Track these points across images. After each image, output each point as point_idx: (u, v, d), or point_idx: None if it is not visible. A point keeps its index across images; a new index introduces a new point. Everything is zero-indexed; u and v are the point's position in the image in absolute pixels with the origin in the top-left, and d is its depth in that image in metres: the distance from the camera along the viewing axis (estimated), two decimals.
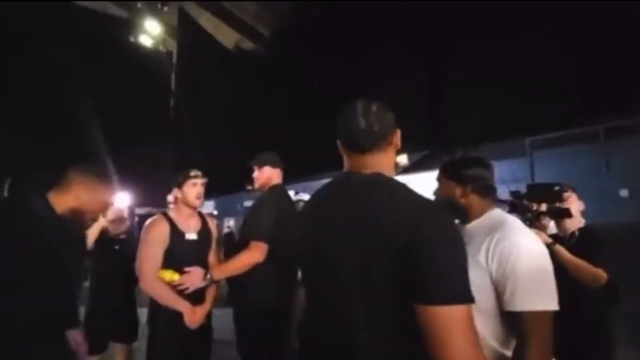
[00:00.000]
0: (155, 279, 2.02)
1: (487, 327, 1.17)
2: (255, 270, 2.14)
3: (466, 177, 1.35)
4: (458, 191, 1.36)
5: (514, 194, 2.03)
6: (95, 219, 2.97)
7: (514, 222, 1.26)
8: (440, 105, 10.41)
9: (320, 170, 9.61)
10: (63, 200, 1.72)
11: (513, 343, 1.15)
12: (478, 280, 1.15)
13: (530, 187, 1.86)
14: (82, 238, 2.12)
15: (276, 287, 2.12)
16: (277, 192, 2.36)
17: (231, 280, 2.30)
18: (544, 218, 1.89)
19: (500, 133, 7.91)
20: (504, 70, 8.06)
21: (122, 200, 3.65)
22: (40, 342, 1.69)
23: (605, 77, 6.99)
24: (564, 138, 7.15)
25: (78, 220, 1.84)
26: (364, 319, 0.92)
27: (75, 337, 1.99)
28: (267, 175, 2.39)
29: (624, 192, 6.11)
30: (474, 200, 1.35)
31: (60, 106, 10.40)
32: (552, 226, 2.13)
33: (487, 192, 1.36)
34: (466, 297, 0.85)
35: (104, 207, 1.95)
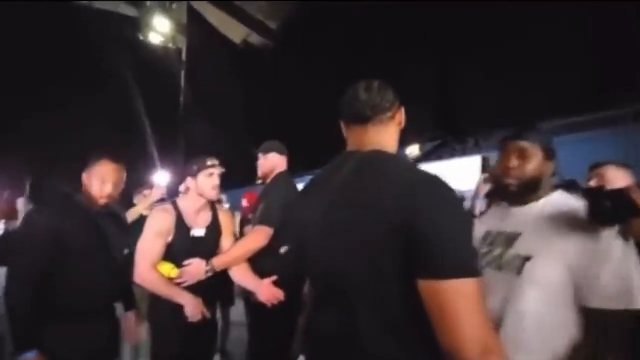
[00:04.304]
0: (152, 270, 1.91)
1: (558, 320, 1.10)
2: (264, 259, 2.09)
3: (553, 152, 1.22)
4: (547, 168, 1.22)
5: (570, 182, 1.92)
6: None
7: None
8: (452, 92, 10.17)
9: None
10: (99, 190, 1.83)
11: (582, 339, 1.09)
12: (557, 275, 1.08)
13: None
14: (125, 223, 2.12)
15: (286, 275, 2.05)
16: (284, 179, 2.32)
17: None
18: None
19: (516, 120, 7.65)
20: (519, 52, 7.77)
21: (162, 179, 3.71)
22: (89, 317, 1.76)
23: (632, 57, 6.65)
24: (586, 123, 6.86)
25: (112, 203, 1.89)
26: (368, 305, 0.89)
27: (130, 318, 2.06)
28: (273, 162, 2.36)
29: None
30: (548, 173, 1.23)
31: (70, 106, 10.61)
32: None
33: (553, 166, 1.26)
34: (470, 271, 0.81)
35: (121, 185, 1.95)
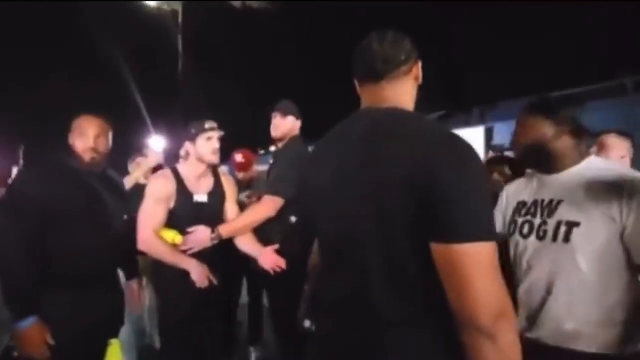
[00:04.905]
0: (155, 237, 1.87)
1: (611, 282, 1.13)
2: (272, 228, 2.07)
3: (562, 117, 1.20)
4: (550, 132, 1.21)
5: None
6: None
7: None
8: (457, 64, 9.94)
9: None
10: (82, 145, 1.73)
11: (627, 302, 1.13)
12: (607, 238, 1.10)
13: None
14: (123, 189, 2.04)
15: (294, 245, 2.00)
16: (298, 145, 2.23)
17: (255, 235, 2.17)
18: None
19: (521, 90, 7.53)
20: (523, 25, 7.54)
21: (157, 144, 3.49)
22: (90, 282, 1.69)
23: (634, 28, 6.47)
24: (589, 93, 6.77)
25: (99, 163, 1.80)
26: (381, 267, 0.86)
27: (133, 288, 2.04)
28: (290, 125, 2.23)
29: None
30: (568, 144, 1.21)
31: (60, 73, 10.39)
32: None
33: (583, 136, 1.22)
34: (486, 235, 0.77)
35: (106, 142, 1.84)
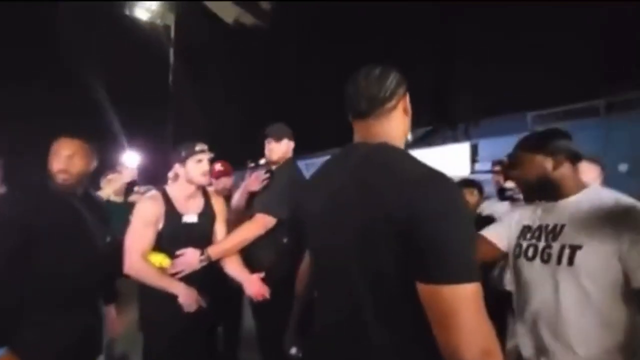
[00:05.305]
0: (142, 261, 1.81)
1: (615, 309, 1.14)
2: (263, 247, 2.07)
3: (556, 147, 1.26)
4: (549, 164, 1.26)
5: None
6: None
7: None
8: (444, 81, 10.24)
9: (323, 147, 9.54)
10: (54, 165, 1.69)
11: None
12: (608, 261, 1.12)
13: None
14: (105, 211, 2.01)
15: (284, 265, 2.01)
16: (292, 167, 2.27)
17: (243, 255, 2.13)
18: None
19: (503, 108, 7.80)
20: (507, 46, 7.89)
21: (131, 160, 3.43)
22: (68, 308, 1.64)
23: (608, 50, 6.85)
24: (566, 113, 7.07)
25: (82, 185, 1.78)
26: (369, 298, 0.89)
27: (111, 312, 2.03)
28: (284, 147, 2.28)
29: (623, 167, 6.10)
30: (567, 171, 1.27)
31: (51, 81, 10.23)
32: None
33: (578, 162, 1.29)
34: (471, 276, 0.79)
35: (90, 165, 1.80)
